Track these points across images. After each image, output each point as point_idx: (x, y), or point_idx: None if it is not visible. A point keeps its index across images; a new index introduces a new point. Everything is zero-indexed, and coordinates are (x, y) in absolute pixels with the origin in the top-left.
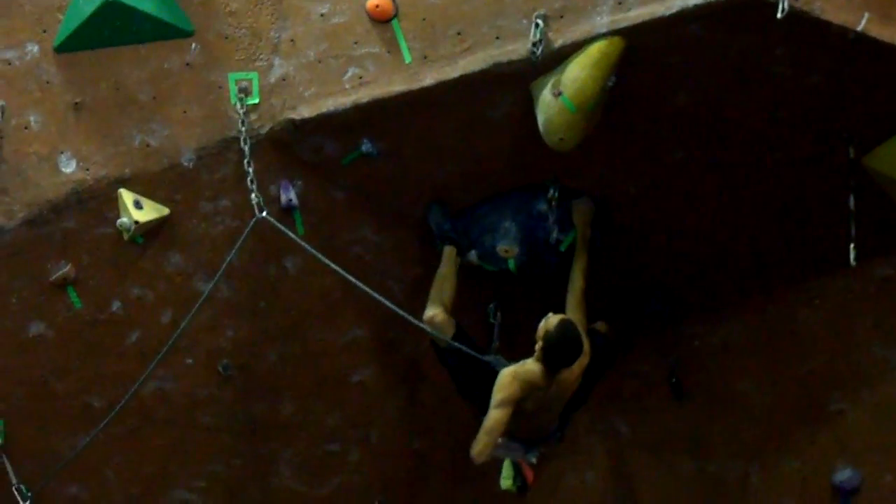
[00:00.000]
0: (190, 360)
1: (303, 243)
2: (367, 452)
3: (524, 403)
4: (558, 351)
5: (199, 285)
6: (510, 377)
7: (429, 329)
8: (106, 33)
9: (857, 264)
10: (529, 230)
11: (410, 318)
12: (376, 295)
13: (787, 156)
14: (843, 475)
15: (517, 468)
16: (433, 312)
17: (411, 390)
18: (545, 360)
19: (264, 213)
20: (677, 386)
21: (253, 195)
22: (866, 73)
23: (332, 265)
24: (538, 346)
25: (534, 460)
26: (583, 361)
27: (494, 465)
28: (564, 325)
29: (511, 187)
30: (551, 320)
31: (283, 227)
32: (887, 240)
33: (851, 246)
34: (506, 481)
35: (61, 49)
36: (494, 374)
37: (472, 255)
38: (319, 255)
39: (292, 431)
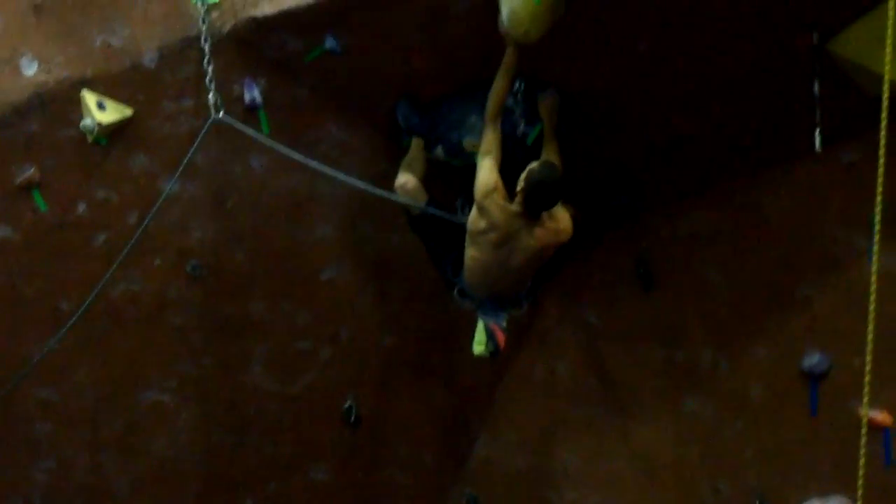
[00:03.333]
0: (158, 261)
1: (266, 140)
2: (338, 350)
3: (488, 234)
4: (540, 190)
5: (165, 186)
6: (495, 181)
7: (401, 197)
8: None
9: (823, 150)
10: None
11: (382, 192)
12: (351, 179)
13: (751, 43)
14: (812, 360)
15: (489, 332)
16: (405, 179)
17: (381, 287)
18: (526, 201)
19: (221, 114)
20: (646, 276)
21: (210, 95)
22: None
23: (300, 157)
24: (519, 188)
25: (504, 324)
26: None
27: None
28: (549, 165)
29: (477, 81)
30: (533, 165)
31: (241, 126)
32: (852, 125)
33: (817, 132)
34: (479, 346)
35: None
36: None
37: (439, 151)
38: (282, 148)
39: (262, 330)
